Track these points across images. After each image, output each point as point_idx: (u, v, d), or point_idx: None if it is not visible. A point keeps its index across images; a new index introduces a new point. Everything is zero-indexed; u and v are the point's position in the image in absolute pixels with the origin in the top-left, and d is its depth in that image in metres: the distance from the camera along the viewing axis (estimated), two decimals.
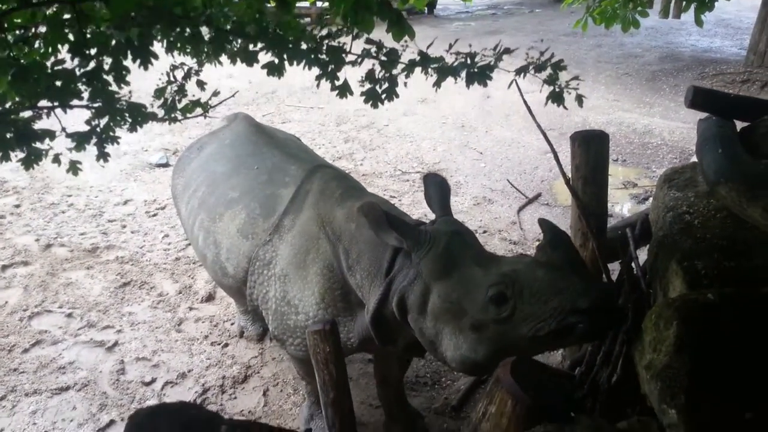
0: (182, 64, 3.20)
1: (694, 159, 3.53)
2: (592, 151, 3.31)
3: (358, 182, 3.66)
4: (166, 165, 7.66)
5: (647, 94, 9.81)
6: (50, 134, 2.30)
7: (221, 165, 3.87)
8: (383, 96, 2.94)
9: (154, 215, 6.52)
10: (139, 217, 6.47)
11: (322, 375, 2.61)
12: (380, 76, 2.94)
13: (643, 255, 3.41)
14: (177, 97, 3.19)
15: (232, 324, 4.86)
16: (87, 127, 2.62)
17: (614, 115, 9.02)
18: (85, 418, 3.97)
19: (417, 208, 6.53)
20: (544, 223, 2.68)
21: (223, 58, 2.86)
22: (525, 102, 3.65)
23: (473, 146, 8.30)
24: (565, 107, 3.12)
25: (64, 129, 2.46)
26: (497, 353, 2.57)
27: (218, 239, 3.58)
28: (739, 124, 3.56)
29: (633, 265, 3.37)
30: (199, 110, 3.16)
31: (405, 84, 2.99)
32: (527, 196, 6.94)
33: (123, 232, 6.17)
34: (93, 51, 2.27)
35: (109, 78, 2.32)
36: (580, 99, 3.05)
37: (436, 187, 3.12)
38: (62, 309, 4.99)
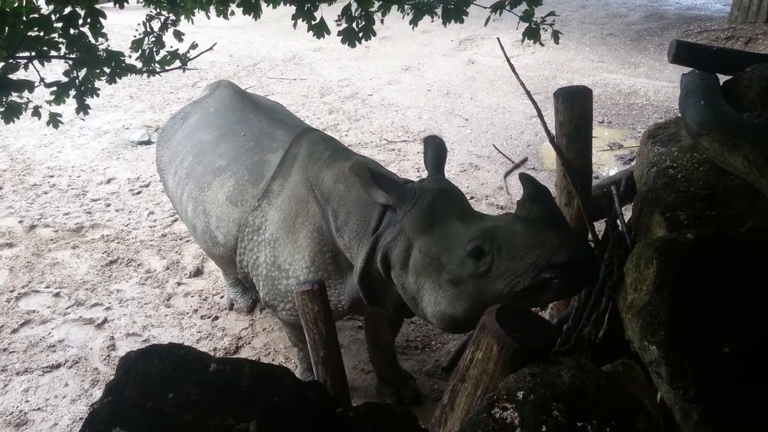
0: (159, 14, 3.15)
1: (679, 114, 3.53)
2: (576, 107, 3.29)
3: (344, 145, 3.64)
4: (148, 142, 7.56)
5: (632, 54, 9.75)
6: (29, 85, 2.27)
7: (207, 133, 3.82)
8: (360, 35, 2.91)
9: (138, 193, 6.46)
10: (123, 196, 6.41)
11: (312, 334, 2.62)
12: (356, 14, 2.91)
13: (628, 213, 3.42)
14: (155, 49, 3.14)
15: (221, 297, 4.86)
16: (66, 79, 2.58)
17: (599, 76, 8.97)
18: (77, 394, 3.98)
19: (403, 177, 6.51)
20: (524, 178, 2.66)
21: (200, 14, 2.81)
22: (510, 63, 3.61)
23: (459, 113, 8.26)
24: (541, 43, 3.11)
25: (42, 80, 2.42)
26: (475, 309, 2.56)
27: (207, 208, 3.55)
28: (723, 78, 3.56)
29: (618, 221, 3.38)
30: (177, 63, 3.11)
31: (382, 21, 2.97)
32: (513, 161, 6.93)
33: (107, 210, 6.12)
34: None
35: (86, 30, 2.27)
36: (556, 36, 3.05)
37: (433, 149, 3.12)
38: (49, 289, 4.96)
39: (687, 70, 3.61)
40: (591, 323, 3.04)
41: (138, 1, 2.99)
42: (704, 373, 1.81)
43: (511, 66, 3.55)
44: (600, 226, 3.64)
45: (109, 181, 6.71)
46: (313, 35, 2.93)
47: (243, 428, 1.29)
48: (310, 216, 3.18)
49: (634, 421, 1.83)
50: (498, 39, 3.83)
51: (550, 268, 2.38)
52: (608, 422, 1.79)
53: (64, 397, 3.98)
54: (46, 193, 6.45)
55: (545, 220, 2.49)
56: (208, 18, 3.56)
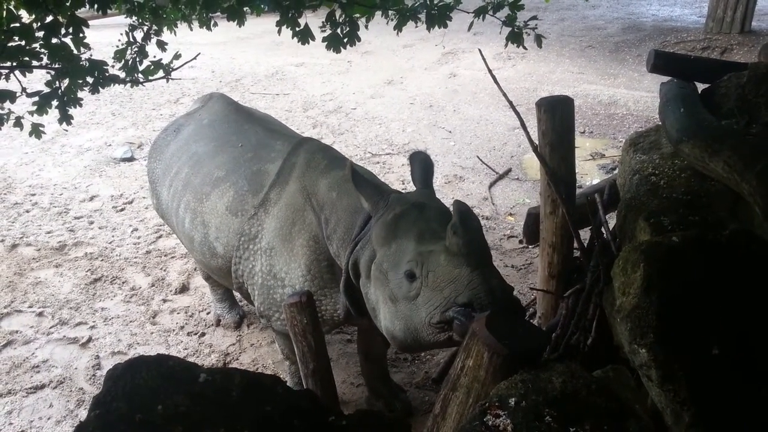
0: (141, 24, 3.14)
1: (659, 122, 3.58)
2: (557, 116, 3.32)
3: (343, 154, 3.64)
4: (131, 159, 7.52)
5: (611, 65, 9.90)
6: (11, 95, 2.24)
7: (203, 145, 3.81)
8: (345, 40, 2.93)
9: (122, 210, 6.41)
10: (107, 213, 6.34)
11: (301, 347, 2.61)
12: (341, 20, 2.92)
13: (612, 221, 3.46)
14: (138, 59, 3.13)
15: (207, 313, 4.81)
16: (48, 90, 2.55)
17: (579, 87, 9.09)
18: (63, 415, 3.91)
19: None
20: (455, 205, 2.58)
21: (183, 28, 2.81)
22: (492, 74, 3.64)
23: (442, 125, 8.31)
24: (524, 47, 3.14)
25: (24, 89, 2.40)
26: (409, 332, 2.55)
27: (206, 219, 3.54)
28: (700, 86, 3.63)
29: (603, 229, 3.41)
30: (161, 73, 3.09)
31: (366, 27, 2.99)
32: (497, 171, 6.98)
33: (90, 228, 6.05)
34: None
35: (68, 40, 2.25)
36: (539, 39, 3.08)
37: (419, 164, 3.12)
38: (32, 308, 4.89)
39: (665, 79, 3.68)
40: (579, 331, 3.06)
41: (124, 16, 2.98)
42: (694, 375, 1.82)
43: (493, 77, 3.58)
44: (585, 234, 3.67)
45: (91, 199, 6.64)
46: (298, 41, 2.95)
47: None
48: (307, 224, 3.18)
49: (626, 426, 1.83)
50: (480, 51, 3.88)
51: (456, 306, 2.37)
52: (600, 427, 1.79)
53: (48, 418, 3.90)
54: (27, 211, 6.37)
55: (461, 254, 2.44)
56: (191, 29, 3.56)
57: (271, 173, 3.40)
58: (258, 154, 3.55)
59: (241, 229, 3.35)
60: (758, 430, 1.82)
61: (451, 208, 2.58)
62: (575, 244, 3.56)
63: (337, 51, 2.99)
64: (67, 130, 3.05)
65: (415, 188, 3.11)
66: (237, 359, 4.37)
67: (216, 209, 3.48)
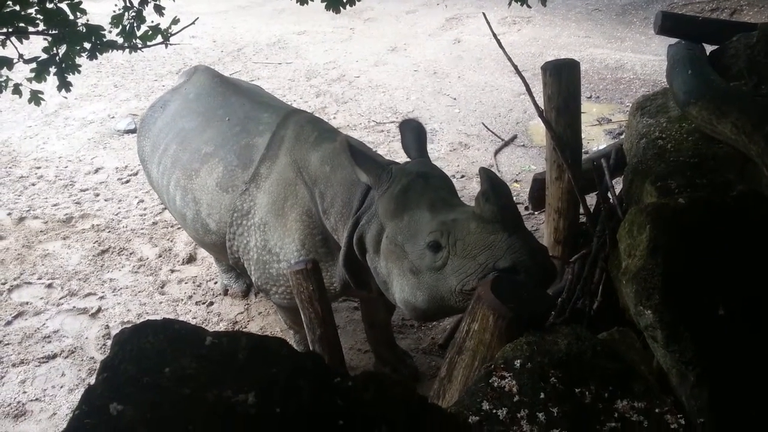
0: None
1: (666, 86, 3.54)
2: (563, 79, 3.29)
3: (332, 126, 3.61)
4: (134, 131, 7.46)
5: (618, 28, 9.73)
6: (7, 62, 2.22)
7: (189, 120, 3.77)
8: (344, 0, 2.88)
9: (127, 182, 6.41)
10: (112, 185, 6.35)
11: (308, 313, 2.63)
12: None
13: (618, 186, 3.44)
14: (135, 24, 3.09)
15: (215, 283, 4.85)
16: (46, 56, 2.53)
17: (586, 52, 8.95)
18: (75, 384, 3.98)
19: (393, 158, 6.48)
20: (482, 172, 2.58)
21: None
22: (497, 39, 3.60)
23: (446, 92, 8.22)
24: (528, 6, 3.09)
25: (21, 56, 2.38)
26: (434, 301, 2.57)
27: (197, 196, 3.52)
28: (709, 48, 3.57)
29: (609, 194, 3.40)
30: (159, 38, 3.05)
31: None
32: (503, 138, 6.93)
33: (96, 200, 6.07)
34: None
35: (64, 6, 2.23)
36: None
37: (413, 132, 3.09)
38: (42, 280, 4.93)
39: (673, 42, 3.62)
40: (585, 295, 3.07)
41: None
42: (700, 336, 1.83)
43: (498, 42, 3.53)
44: (591, 199, 3.65)
45: (96, 171, 6.64)
46: (297, 2, 2.89)
47: (242, 400, 1.29)
48: (299, 199, 3.16)
49: (631, 386, 1.85)
50: (484, 15, 3.82)
51: (496, 271, 2.37)
52: (605, 388, 1.81)
53: (61, 387, 3.98)
54: (33, 184, 6.38)
55: (496, 220, 2.44)
56: None
57: (260, 147, 3.36)
58: (246, 127, 3.51)
59: (233, 205, 3.33)
60: (763, 391, 1.83)
61: (480, 176, 2.58)
62: (581, 210, 3.55)
63: (337, 11, 2.95)
64: (66, 97, 3.03)
65: (408, 157, 3.08)
66: (245, 327, 4.42)
67: (206, 186, 3.46)
